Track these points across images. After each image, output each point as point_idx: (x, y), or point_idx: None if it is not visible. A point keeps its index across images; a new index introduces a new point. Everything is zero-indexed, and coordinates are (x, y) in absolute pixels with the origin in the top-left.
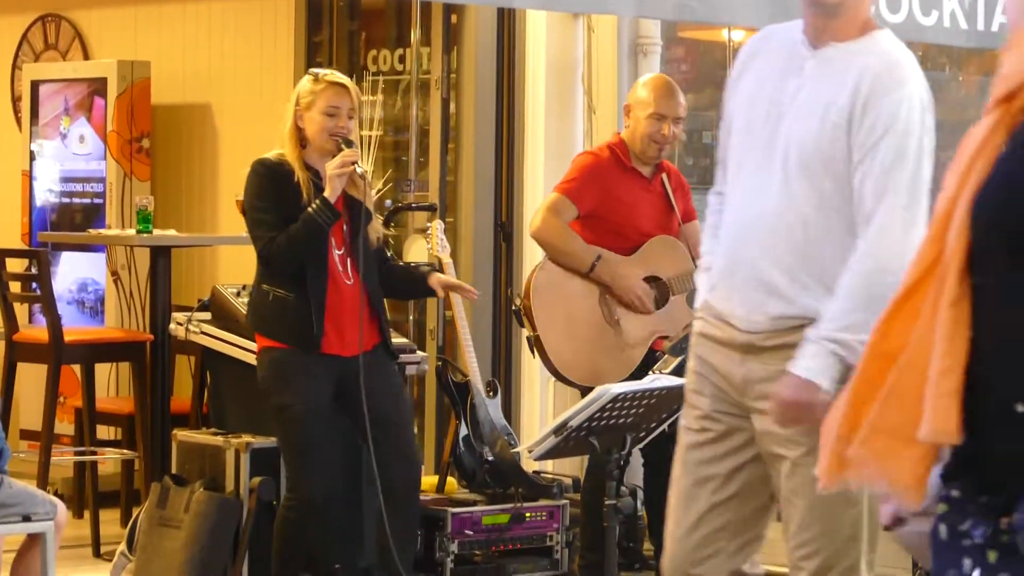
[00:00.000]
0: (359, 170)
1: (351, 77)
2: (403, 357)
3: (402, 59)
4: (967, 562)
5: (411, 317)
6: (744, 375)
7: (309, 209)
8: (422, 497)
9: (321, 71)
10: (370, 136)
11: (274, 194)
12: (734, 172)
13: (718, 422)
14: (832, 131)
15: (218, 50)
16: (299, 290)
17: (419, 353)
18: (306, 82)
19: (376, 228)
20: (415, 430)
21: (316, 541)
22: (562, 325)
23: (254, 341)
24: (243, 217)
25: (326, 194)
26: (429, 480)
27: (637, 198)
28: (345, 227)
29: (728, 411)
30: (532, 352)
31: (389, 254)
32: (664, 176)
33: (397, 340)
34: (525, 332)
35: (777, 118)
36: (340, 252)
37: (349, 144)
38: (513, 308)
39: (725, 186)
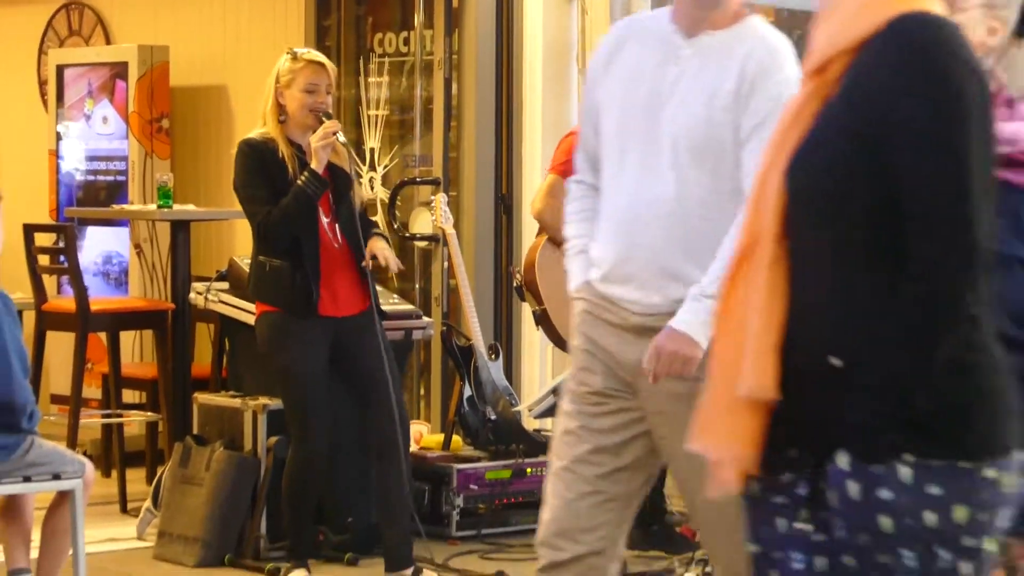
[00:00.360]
0: (341, 139)
1: (358, 59)
2: (410, 323)
3: (406, 41)
4: (780, 521)
5: (417, 285)
6: (639, 357)
7: (299, 181)
8: (428, 454)
9: (299, 50)
10: (377, 115)
11: (262, 171)
12: (614, 161)
13: (611, 398)
14: (721, 114)
15: (233, 34)
16: (293, 259)
17: (425, 319)
18: (285, 61)
19: (359, 193)
20: (421, 392)
21: (324, 495)
22: (566, 298)
23: None
24: (236, 195)
25: (312, 166)
26: (435, 438)
27: None
28: (331, 195)
29: (620, 388)
30: (537, 325)
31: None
32: None
33: (404, 307)
34: (529, 307)
35: (658, 107)
36: (328, 220)
37: (329, 117)
38: (515, 285)
39: (593, 176)
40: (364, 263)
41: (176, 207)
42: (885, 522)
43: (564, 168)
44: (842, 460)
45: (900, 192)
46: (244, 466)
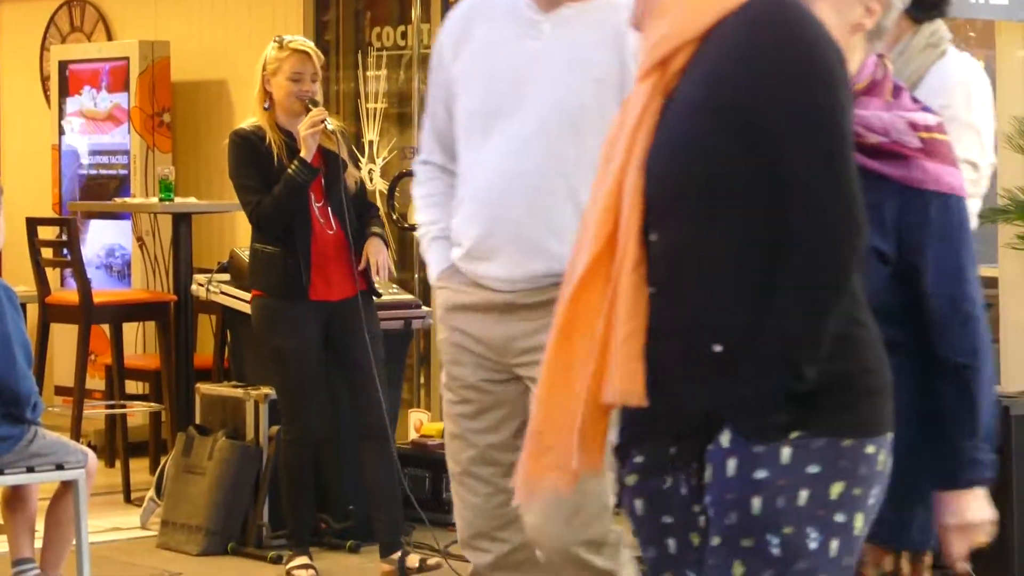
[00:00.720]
0: (329, 126)
1: (357, 53)
2: (409, 312)
3: (404, 35)
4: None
5: (416, 275)
6: (505, 334)
7: (289, 170)
8: (428, 442)
9: (286, 38)
10: (375, 108)
11: (252, 161)
12: (475, 138)
13: (484, 392)
14: (595, 87)
15: (233, 29)
16: (285, 245)
17: (424, 308)
18: (271, 49)
19: (353, 174)
20: (421, 380)
21: (325, 483)
22: None
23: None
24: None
25: (302, 154)
26: (435, 426)
27: None
28: (323, 180)
29: (492, 378)
30: None
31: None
32: None
33: (403, 296)
34: None
35: (521, 82)
36: (320, 204)
37: (315, 104)
38: None
39: (443, 157)
40: (359, 267)
41: (178, 200)
42: (755, 503)
43: None
44: (725, 438)
45: (775, 167)
46: (246, 455)
